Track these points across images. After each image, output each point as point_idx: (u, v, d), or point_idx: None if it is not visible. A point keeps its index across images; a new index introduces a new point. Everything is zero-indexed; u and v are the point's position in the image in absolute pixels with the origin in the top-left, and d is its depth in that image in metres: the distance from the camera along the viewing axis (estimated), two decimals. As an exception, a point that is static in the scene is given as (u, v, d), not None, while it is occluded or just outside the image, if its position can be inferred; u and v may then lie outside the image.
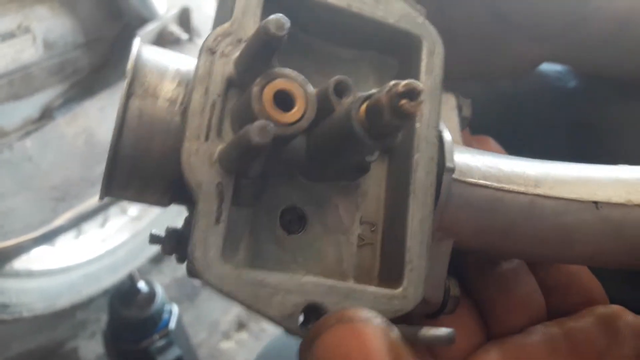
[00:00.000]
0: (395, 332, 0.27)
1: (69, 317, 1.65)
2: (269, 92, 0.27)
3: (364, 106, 0.27)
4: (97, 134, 1.23)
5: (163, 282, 1.54)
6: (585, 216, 0.35)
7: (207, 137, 0.28)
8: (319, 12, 0.33)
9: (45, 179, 1.17)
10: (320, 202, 0.33)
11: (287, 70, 0.27)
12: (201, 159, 0.28)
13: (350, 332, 0.25)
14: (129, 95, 0.29)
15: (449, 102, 0.39)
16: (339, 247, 0.32)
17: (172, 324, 1.41)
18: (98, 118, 1.25)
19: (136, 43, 0.31)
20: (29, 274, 1.43)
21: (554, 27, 0.50)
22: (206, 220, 0.27)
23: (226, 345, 1.71)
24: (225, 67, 0.29)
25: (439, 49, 0.34)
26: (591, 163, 0.39)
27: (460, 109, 0.40)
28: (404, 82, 0.25)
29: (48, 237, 1.15)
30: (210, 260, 0.27)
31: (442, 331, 0.28)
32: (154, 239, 0.32)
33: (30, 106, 1.30)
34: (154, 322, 1.37)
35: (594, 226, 0.35)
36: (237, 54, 0.30)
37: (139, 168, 0.30)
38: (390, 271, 0.32)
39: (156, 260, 1.68)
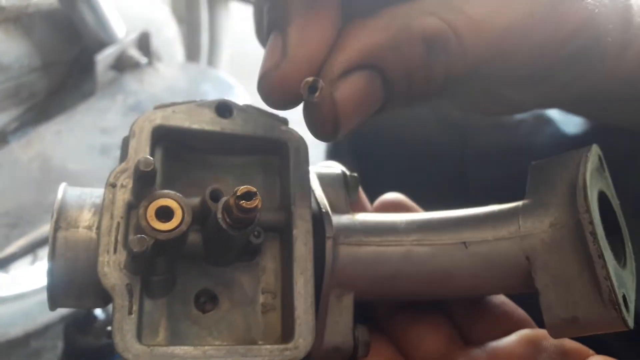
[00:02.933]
0: None
1: (23, 345, 1.60)
2: (151, 209, 0.35)
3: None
4: (52, 159, 1.21)
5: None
6: (457, 255, 0.42)
7: (115, 250, 0.36)
8: (200, 136, 0.41)
9: (-3, 205, 1.14)
10: (227, 283, 0.40)
11: (165, 192, 0.35)
12: (112, 267, 0.36)
13: None
14: (56, 229, 0.38)
15: (337, 179, 0.47)
16: (246, 317, 0.40)
17: (130, 352, 1.38)
18: (53, 143, 1.23)
19: (61, 188, 0.40)
20: (-19, 302, 1.39)
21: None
22: (120, 313, 0.35)
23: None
24: (124, 195, 0.38)
25: (303, 146, 0.43)
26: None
27: (347, 183, 0.47)
28: (241, 188, 0.34)
29: (1, 265, 1.12)
30: (127, 343, 0.35)
31: None
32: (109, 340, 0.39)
33: (-17, 130, 1.28)
34: (110, 350, 1.33)
35: (466, 262, 0.41)
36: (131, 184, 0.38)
37: (71, 281, 0.38)
38: (288, 329, 0.39)
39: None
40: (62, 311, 1.51)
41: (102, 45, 1.34)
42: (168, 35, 1.54)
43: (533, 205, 0.42)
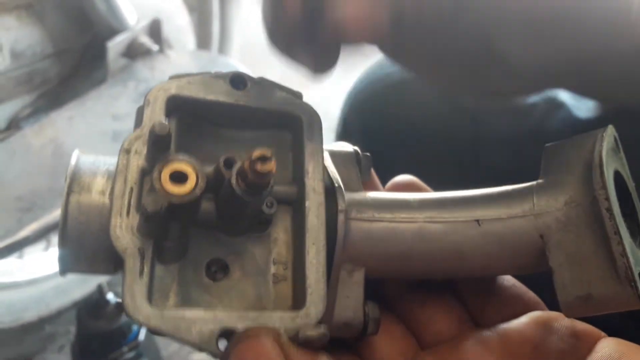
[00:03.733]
0: (284, 338, 0.35)
1: (37, 330, 1.62)
2: (165, 172, 0.35)
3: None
4: (65, 145, 1.22)
5: (133, 294, 1.52)
6: (470, 233, 0.41)
7: (128, 214, 0.37)
8: (214, 108, 0.42)
9: (11, 189, 1.15)
10: (239, 252, 0.41)
11: (180, 155, 0.35)
12: (124, 230, 0.36)
13: (248, 346, 0.34)
14: (69, 193, 0.38)
15: (350, 157, 0.47)
16: (257, 287, 0.40)
17: (142, 336, 1.39)
18: (66, 128, 1.24)
19: (75, 154, 0.40)
20: (-5, 287, 1.41)
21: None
22: (131, 275, 0.35)
23: (197, 357, 1.70)
24: (138, 161, 0.38)
25: (317, 119, 0.43)
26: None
27: (360, 162, 0.47)
28: (256, 151, 0.34)
29: (14, 249, 1.13)
30: (137, 304, 0.35)
31: (316, 331, 0.36)
32: (119, 306, 0.38)
33: (-4, 116, 1.29)
34: (123, 334, 1.36)
35: (479, 240, 0.41)
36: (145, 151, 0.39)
37: (83, 246, 0.38)
38: (299, 298, 0.39)
39: (115, 275, 1.66)
40: (74, 296, 1.53)
41: (113, 32, 1.34)
42: (179, 23, 1.55)
43: (548, 184, 0.41)
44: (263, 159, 0.34)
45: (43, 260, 1.54)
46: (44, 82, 1.34)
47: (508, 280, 0.46)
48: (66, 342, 1.64)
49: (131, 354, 1.37)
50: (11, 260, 1.46)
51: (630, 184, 0.43)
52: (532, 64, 0.47)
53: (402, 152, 0.82)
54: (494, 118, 0.79)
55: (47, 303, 1.51)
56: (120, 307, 0.39)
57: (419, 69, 0.51)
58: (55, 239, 1.53)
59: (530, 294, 0.46)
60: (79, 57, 1.38)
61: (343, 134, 0.87)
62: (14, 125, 1.30)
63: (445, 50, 0.47)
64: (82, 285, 1.54)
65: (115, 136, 1.24)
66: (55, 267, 1.52)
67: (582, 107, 0.74)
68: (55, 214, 1.17)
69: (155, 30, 1.40)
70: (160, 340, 1.58)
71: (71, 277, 1.56)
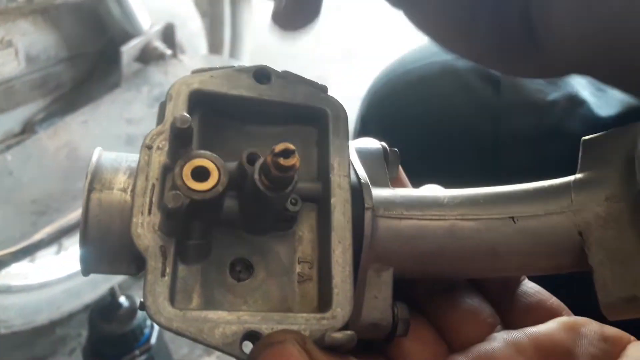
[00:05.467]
0: (310, 343, 0.34)
1: (48, 333, 1.63)
2: (187, 169, 0.34)
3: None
4: (79, 148, 1.23)
5: (144, 298, 1.53)
6: (505, 230, 0.39)
7: (149, 212, 0.36)
8: (238, 103, 0.41)
9: (25, 192, 1.16)
10: (264, 252, 0.39)
11: (201, 152, 0.34)
12: (146, 228, 0.35)
13: (274, 354, 0.33)
14: (90, 190, 0.37)
15: (377, 153, 0.45)
16: (282, 287, 0.39)
17: (153, 339, 1.39)
18: (80, 132, 1.25)
19: (96, 151, 0.39)
20: (8, 290, 1.41)
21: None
22: (153, 275, 0.34)
23: (208, 360, 1.70)
24: (160, 157, 0.37)
25: (343, 114, 0.42)
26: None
27: (387, 158, 0.45)
28: (278, 145, 0.33)
29: (28, 252, 1.14)
30: (159, 305, 0.34)
31: (342, 334, 0.35)
32: (141, 306, 0.38)
33: (11, 120, 1.30)
34: (134, 337, 1.36)
35: (514, 238, 0.39)
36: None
37: (105, 245, 0.37)
38: (325, 299, 0.38)
39: (137, 276, 1.67)
40: (86, 300, 1.53)
41: (127, 36, 1.35)
42: (192, 28, 1.56)
43: (587, 179, 0.40)
44: (286, 153, 0.33)
45: (55, 263, 1.55)
46: (58, 86, 1.35)
47: (531, 286, 0.46)
48: (77, 345, 1.64)
49: (143, 357, 1.37)
50: (23, 264, 1.46)
51: None
52: (573, 35, 0.41)
53: (421, 150, 0.81)
54: (515, 115, 0.78)
55: (58, 306, 1.52)
56: (140, 307, 0.39)
57: (441, 37, 0.47)
58: (67, 242, 1.53)
59: (555, 300, 0.45)
60: (93, 62, 1.40)
61: (361, 133, 0.86)
62: (28, 129, 1.31)
63: (472, 12, 0.42)
64: (93, 289, 1.55)
65: (129, 140, 1.25)
66: (66, 270, 1.53)
67: (603, 104, 0.74)
68: (69, 217, 1.18)
69: (168, 35, 1.41)
70: (171, 344, 1.59)
71: (82, 280, 1.56)
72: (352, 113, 1.00)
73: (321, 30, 2.66)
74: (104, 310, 1.37)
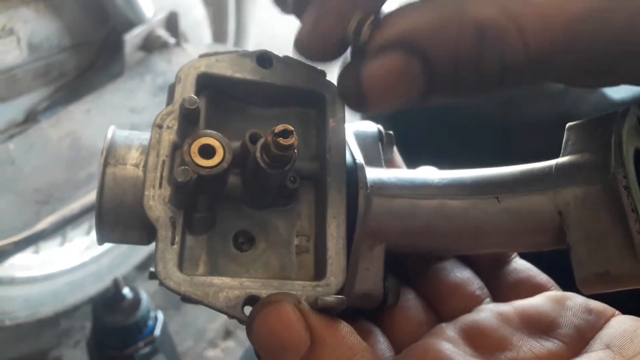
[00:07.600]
0: (304, 304, 0.37)
1: (52, 325, 1.63)
2: (195, 146, 0.37)
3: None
4: (82, 138, 1.22)
5: (149, 290, 1.52)
6: (490, 209, 0.42)
7: (160, 185, 0.39)
8: (241, 86, 0.43)
9: (28, 182, 1.15)
10: (265, 225, 0.42)
11: (208, 131, 0.38)
12: (157, 201, 0.38)
13: (271, 311, 0.36)
14: (105, 165, 0.40)
15: (372, 136, 0.48)
16: (281, 258, 0.42)
17: (157, 331, 1.39)
18: (83, 121, 1.24)
19: (110, 130, 0.42)
20: (12, 282, 1.40)
21: None
22: (163, 243, 0.38)
23: (212, 353, 1.69)
24: (170, 135, 0.40)
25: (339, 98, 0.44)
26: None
27: (382, 140, 0.48)
28: (278, 126, 0.36)
29: (31, 241, 1.13)
30: (168, 271, 0.37)
31: (333, 297, 0.38)
32: (152, 275, 0.40)
33: (14, 109, 1.29)
34: (138, 329, 1.35)
35: (498, 217, 0.42)
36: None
37: (118, 215, 0.40)
38: (320, 269, 0.41)
39: (141, 268, 1.66)
40: (90, 291, 1.53)
41: (130, 25, 1.34)
42: (195, 17, 1.54)
43: (568, 162, 0.42)
44: (285, 133, 0.36)
45: (59, 255, 1.54)
46: (61, 75, 1.34)
47: (521, 262, 0.48)
48: (82, 337, 1.64)
49: (147, 349, 1.36)
50: (27, 255, 1.45)
51: None
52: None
53: (432, 136, 0.81)
54: (527, 102, 0.77)
55: (63, 298, 1.51)
56: (151, 276, 0.42)
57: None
58: (71, 234, 1.53)
59: (543, 276, 0.47)
60: (97, 50, 1.38)
61: (370, 117, 0.86)
62: (31, 118, 1.30)
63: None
64: (97, 281, 1.54)
65: (132, 128, 1.23)
66: (70, 262, 1.53)
67: (615, 88, 0.73)
68: (72, 207, 1.17)
69: (172, 23, 1.40)
70: (176, 336, 1.58)
71: (87, 272, 1.56)
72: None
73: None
74: (108, 302, 1.37)
